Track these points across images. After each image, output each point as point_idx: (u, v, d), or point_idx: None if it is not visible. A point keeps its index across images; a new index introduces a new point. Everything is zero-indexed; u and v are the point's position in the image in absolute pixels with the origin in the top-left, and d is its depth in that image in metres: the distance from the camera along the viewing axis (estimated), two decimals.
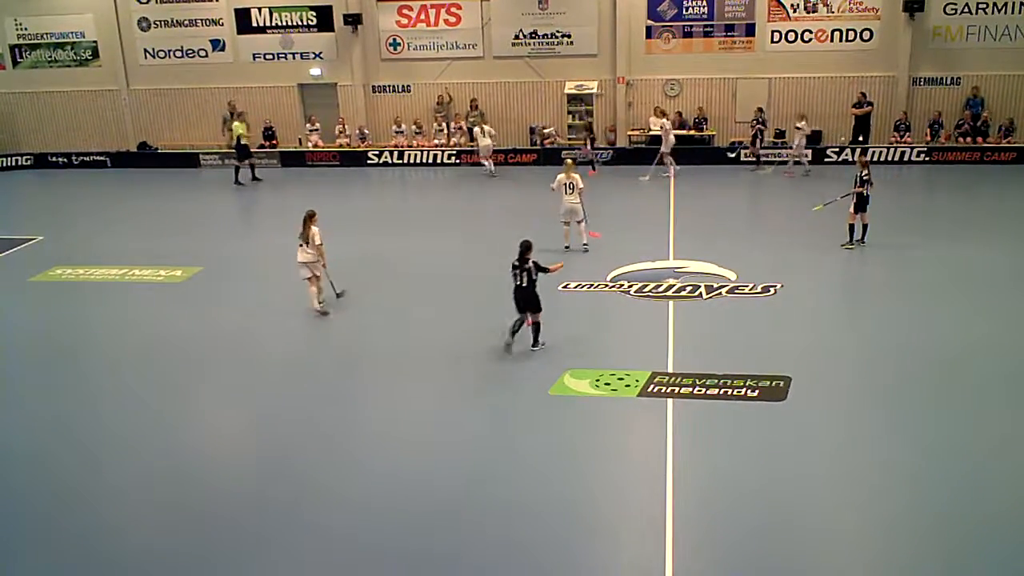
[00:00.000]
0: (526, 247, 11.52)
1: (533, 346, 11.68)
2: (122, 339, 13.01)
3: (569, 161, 16.64)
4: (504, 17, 26.39)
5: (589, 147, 24.54)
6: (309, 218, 13.54)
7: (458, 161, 25.93)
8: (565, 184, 15.93)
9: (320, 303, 13.65)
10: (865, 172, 15.67)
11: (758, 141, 24.14)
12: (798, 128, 23.00)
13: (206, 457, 9.45)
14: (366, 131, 27.29)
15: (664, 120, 23.68)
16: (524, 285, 11.44)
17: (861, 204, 15.65)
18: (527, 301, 11.50)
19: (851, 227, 15.88)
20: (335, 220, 19.98)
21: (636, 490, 8.42)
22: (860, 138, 24.98)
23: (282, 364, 11.78)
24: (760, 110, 24.23)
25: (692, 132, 25.83)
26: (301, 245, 13.47)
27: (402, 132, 27.06)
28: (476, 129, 25.25)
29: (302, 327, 13.27)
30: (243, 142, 24.93)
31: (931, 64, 24.86)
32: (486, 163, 25.11)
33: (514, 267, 11.51)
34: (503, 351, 11.61)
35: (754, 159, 24.26)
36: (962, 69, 24.73)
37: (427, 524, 7.89)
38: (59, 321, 13.84)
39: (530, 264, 11.39)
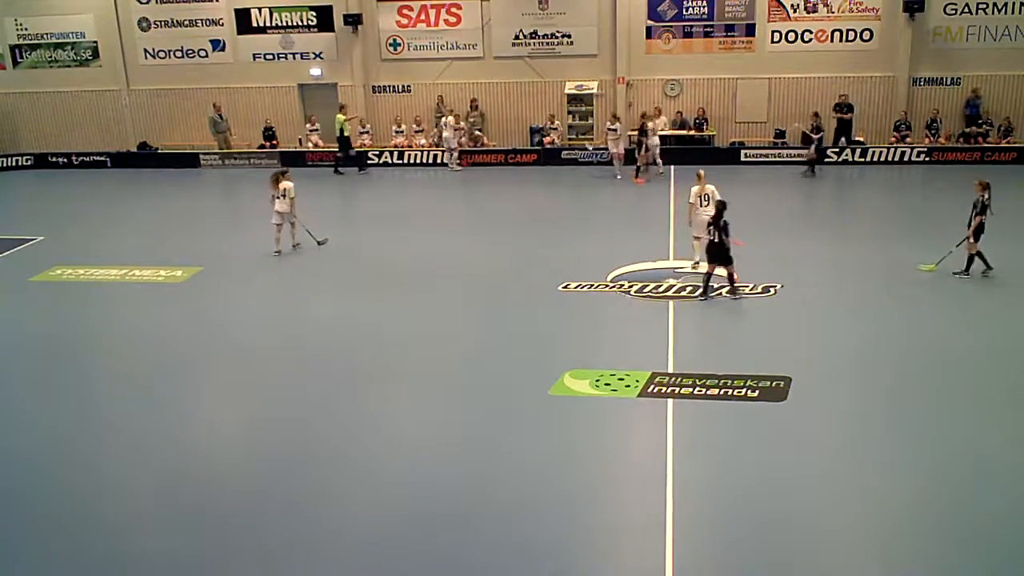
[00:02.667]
0: (723, 206, 13.16)
1: (734, 295, 13.32)
2: (122, 339, 13.01)
3: (701, 172, 15.32)
4: (504, 17, 26.40)
5: (644, 151, 23.34)
6: (281, 174, 16.47)
7: (458, 162, 25.90)
8: (700, 196, 14.89)
9: (278, 251, 16.58)
10: (986, 196, 13.83)
11: (813, 146, 23.14)
12: (652, 129, 23.34)
13: (207, 457, 9.44)
14: (367, 125, 27.29)
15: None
16: (716, 240, 13.07)
17: (978, 232, 13.91)
18: (718, 254, 13.13)
19: (971, 256, 14.05)
20: (337, 219, 20.04)
21: (636, 490, 8.42)
22: (860, 139, 24.98)
23: (282, 364, 11.77)
24: (816, 115, 23.46)
25: (692, 132, 25.84)
26: (278, 198, 16.35)
27: (402, 132, 27.10)
28: (442, 120, 25.40)
29: (302, 327, 13.27)
30: (345, 134, 25.40)
31: (931, 64, 24.87)
32: (448, 159, 25.26)
33: (709, 224, 13.17)
34: (701, 299, 13.33)
35: (807, 163, 23.29)
36: (962, 69, 24.74)
37: (427, 524, 7.88)
38: (59, 321, 13.83)
39: (723, 223, 13.02)
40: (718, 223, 13.09)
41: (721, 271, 13.45)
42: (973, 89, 24.51)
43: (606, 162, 24.68)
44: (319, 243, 17.09)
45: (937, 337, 11.86)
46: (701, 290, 13.47)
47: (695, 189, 15.00)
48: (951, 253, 14.22)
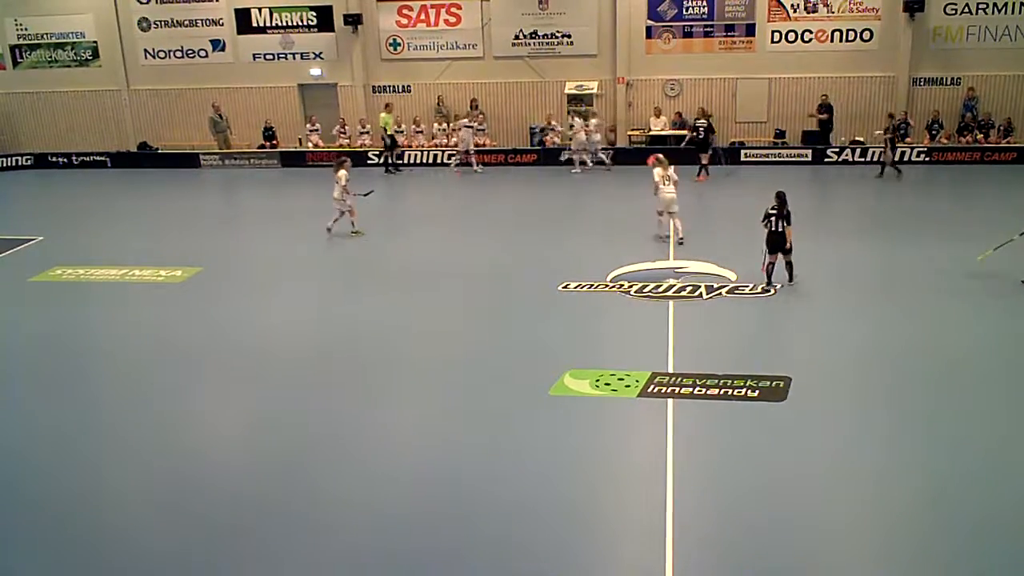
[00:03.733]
0: (784, 197, 13.60)
1: (790, 282, 13.72)
2: (122, 340, 13.01)
3: (660, 156, 16.97)
4: (504, 17, 26.40)
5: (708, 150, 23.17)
6: (339, 164, 17.64)
7: (459, 161, 25.84)
8: (664, 178, 16.42)
9: (355, 231, 17.87)
10: None
11: (889, 150, 22.49)
12: (587, 129, 24.08)
13: (206, 458, 9.43)
14: (367, 126, 27.27)
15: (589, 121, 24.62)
16: (779, 231, 13.53)
17: None
18: (780, 244, 13.57)
19: None
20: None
21: (636, 490, 8.41)
22: (860, 138, 24.96)
23: (282, 365, 11.76)
24: (891, 116, 23.14)
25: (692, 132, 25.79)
26: (336, 184, 17.56)
27: (402, 132, 27.03)
28: (462, 121, 25.45)
29: (302, 327, 13.27)
30: (390, 132, 25.50)
31: (931, 64, 24.88)
32: (465, 161, 25.25)
33: (769, 215, 13.62)
34: (765, 289, 13.66)
35: (882, 166, 22.72)
36: (962, 69, 24.74)
37: (427, 524, 7.88)
38: (59, 321, 13.82)
39: (787, 211, 13.51)
40: (782, 213, 13.57)
41: (780, 258, 13.85)
42: (969, 88, 24.52)
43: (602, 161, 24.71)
44: (364, 195, 18.25)
45: (938, 336, 11.85)
46: (765, 282, 13.79)
47: (658, 171, 16.45)
48: (1012, 241, 13.89)
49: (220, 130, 27.59)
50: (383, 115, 25.59)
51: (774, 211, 13.63)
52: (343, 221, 17.93)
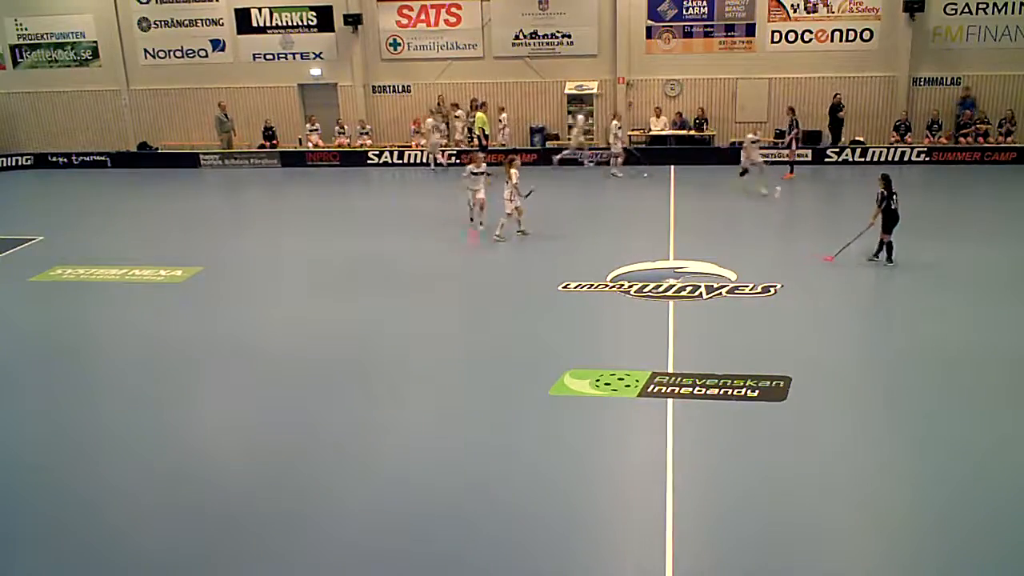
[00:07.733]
0: (890, 179, 14.46)
1: (889, 262, 14.55)
2: (122, 339, 13.01)
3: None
4: (504, 17, 26.42)
5: (795, 145, 23.01)
6: (510, 163, 17.02)
7: (457, 161, 25.79)
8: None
9: (499, 236, 17.13)
10: None
11: None
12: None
13: (206, 458, 9.43)
14: (368, 126, 27.25)
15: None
16: (894, 208, 14.32)
17: None
18: (892, 222, 14.37)
19: None
20: (337, 218, 20.04)
21: (636, 490, 8.41)
22: (860, 138, 24.95)
23: (283, 365, 11.76)
24: None
25: (692, 132, 25.84)
26: (507, 183, 16.86)
27: (420, 133, 26.25)
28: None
29: (302, 328, 13.26)
30: (486, 132, 25.34)
31: (931, 64, 24.89)
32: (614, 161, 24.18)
33: (887, 198, 14.28)
34: (881, 265, 14.65)
35: None
36: (962, 69, 24.76)
37: (427, 525, 7.88)
38: (59, 321, 13.83)
39: (894, 193, 14.34)
40: (891, 194, 14.32)
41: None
42: (964, 88, 24.51)
43: (605, 162, 24.66)
44: (525, 196, 17.40)
45: (937, 336, 11.85)
46: (886, 256, 14.63)
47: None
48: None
49: (226, 129, 27.62)
50: (479, 114, 25.00)
51: (891, 193, 14.26)
52: (510, 224, 17.25)
